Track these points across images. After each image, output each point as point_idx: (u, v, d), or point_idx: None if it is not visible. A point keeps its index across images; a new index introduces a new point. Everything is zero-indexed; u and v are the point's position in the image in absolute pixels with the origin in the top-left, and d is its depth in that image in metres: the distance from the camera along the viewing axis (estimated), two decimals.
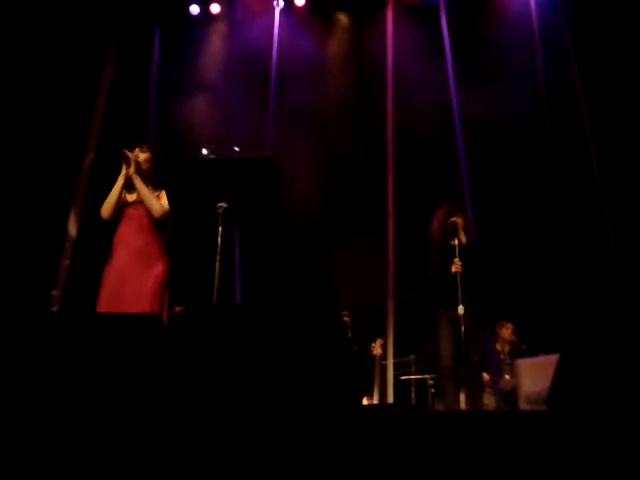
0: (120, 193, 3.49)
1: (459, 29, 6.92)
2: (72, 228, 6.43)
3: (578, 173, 6.06)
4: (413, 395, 5.85)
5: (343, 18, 7.38)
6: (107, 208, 3.49)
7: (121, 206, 3.51)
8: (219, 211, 3.04)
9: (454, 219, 4.37)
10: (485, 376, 5.40)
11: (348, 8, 7.38)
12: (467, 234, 4.42)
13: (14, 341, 1.75)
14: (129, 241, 3.43)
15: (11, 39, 5.87)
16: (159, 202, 3.45)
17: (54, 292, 5.87)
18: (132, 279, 3.31)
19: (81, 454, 1.55)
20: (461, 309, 4.07)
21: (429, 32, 6.95)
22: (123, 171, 3.47)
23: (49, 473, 1.54)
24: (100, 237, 3.65)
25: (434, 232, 4.49)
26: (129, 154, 3.46)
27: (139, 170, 3.50)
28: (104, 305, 3.30)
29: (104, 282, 3.37)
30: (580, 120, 6.20)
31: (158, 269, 3.36)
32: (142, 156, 3.53)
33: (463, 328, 4.04)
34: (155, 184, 3.55)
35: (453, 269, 4.18)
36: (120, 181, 3.49)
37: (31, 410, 1.63)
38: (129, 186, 3.50)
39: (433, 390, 5.66)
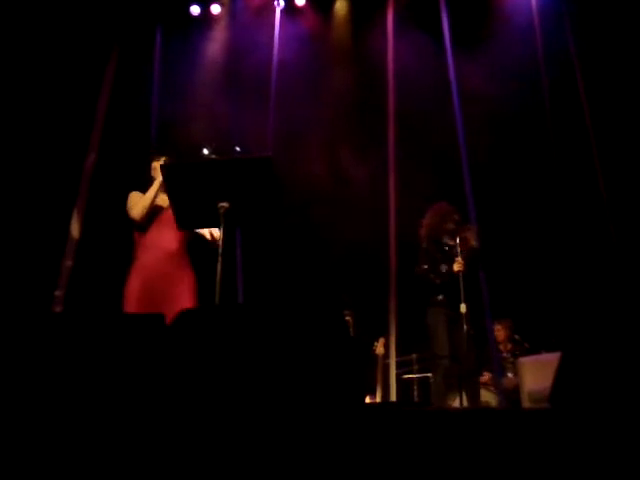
0: (155, 197, 3.57)
1: (460, 25, 6.91)
2: (74, 229, 6.44)
3: (580, 171, 6.05)
4: (416, 393, 5.86)
5: (343, 16, 7.39)
6: (141, 209, 3.55)
7: (154, 210, 3.57)
8: (220, 211, 3.04)
9: (466, 234, 4.37)
10: (486, 375, 5.41)
11: (349, 6, 7.40)
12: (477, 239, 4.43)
13: (17, 341, 1.76)
14: (162, 244, 3.47)
15: (12, 40, 5.87)
16: None
17: (57, 292, 5.88)
18: (166, 281, 3.35)
19: (86, 453, 1.56)
20: (463, 307, 4.08)
21: (430, 28, 6.95)
22: (159, 178, 3.51)
23: (51, 473, 1.54)
24: (102, 238, 3.67)
25: (434, 226, 4.45)
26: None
27: None
28: (136, 307, 3.32)
29: (131, 284, 3.40)
30: (582, 120, 6.19)
31: (191, 274, 3.49)
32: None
33: (465, 327, 4.05)
34: None
35: (455, 268, 4.18)
36: (156, 185, 3.56)
37: (34, 410, 1.64)
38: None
39: None
